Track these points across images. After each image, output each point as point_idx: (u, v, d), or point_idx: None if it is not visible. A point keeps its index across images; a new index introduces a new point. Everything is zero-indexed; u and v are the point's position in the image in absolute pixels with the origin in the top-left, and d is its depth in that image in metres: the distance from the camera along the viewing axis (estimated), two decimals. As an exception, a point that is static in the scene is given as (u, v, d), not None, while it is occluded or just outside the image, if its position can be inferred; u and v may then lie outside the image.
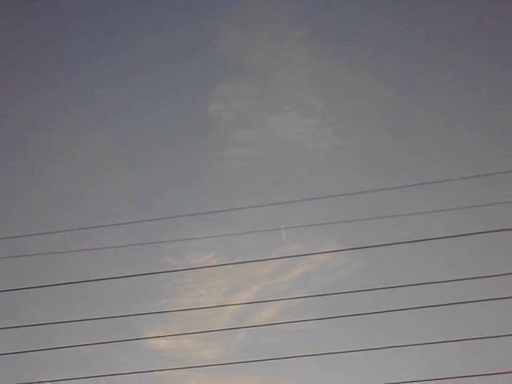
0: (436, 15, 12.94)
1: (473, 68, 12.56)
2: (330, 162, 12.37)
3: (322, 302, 9.77)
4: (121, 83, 13.35)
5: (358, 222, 10.38)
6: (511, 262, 9.54)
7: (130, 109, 13.28)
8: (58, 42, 13.52)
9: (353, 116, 12.80)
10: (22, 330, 9.90)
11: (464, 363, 9.54)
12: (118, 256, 10.67)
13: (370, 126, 12.63)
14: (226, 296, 11.14)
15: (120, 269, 10.36)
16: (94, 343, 9.75)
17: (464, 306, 9.27)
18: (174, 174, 12.64)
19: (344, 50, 13.01)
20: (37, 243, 10.27)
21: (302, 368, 9.72)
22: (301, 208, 10.41)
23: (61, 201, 12.44)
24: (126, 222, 10.27)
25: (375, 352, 9.39)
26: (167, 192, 12.43)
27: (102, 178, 12.51)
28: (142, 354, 10.59)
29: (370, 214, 10.38)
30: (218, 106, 12.97)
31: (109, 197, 12.39)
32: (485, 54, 12.54)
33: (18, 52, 13.37)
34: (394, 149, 12.37)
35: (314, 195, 10.45)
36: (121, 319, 9.84)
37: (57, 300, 10.72)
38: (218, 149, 12.62)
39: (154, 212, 11.17)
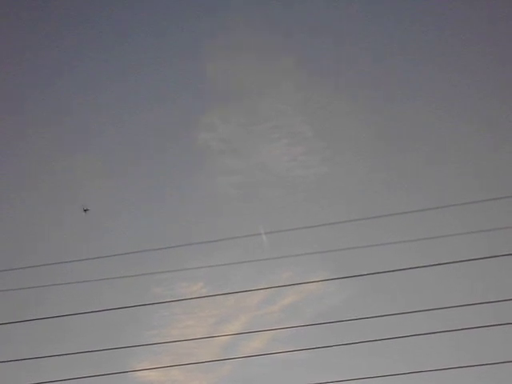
0: (426, 39, 13.05)
1: (468, 91, 12.63)
2: (319, 190, 12.43)
3: (311, 332, 9.74)
4: (111, 113, 13.43)
5: (347, 250, 10.38)
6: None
7: (118, 136, 13.37)
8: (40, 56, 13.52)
9: (341, 144, 12.87)
10: (12, 364, 9.84)
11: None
12: (106, 288, 10.66)
13: (359, 154, 12.70)
14: (214, 327, 11.14)
15: (108, 301, 10.34)
16: (83, 376, 9.68)
17: (457, 334, 9.25)
18: (161, 205, 12.68)
19: (332, 78, 13.11)
20: (24, 276, 10.26)
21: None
22: (289, 237, 10.42)
23: (48, 233, 12.45)
24: (113, 253, 10.27)
25: (367, 382, 9.34)
26: (155, 223, 12.47)
27: (90, 210, 12.50)
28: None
29: (360, 242, 10.40)
30: (207, 135, 13.06)
31: (96, 229, 12.41)
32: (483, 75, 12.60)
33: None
34: (383, 176, 12.42)
35: (303, 224, 10.46)
36: (109, 352, 9.78)
37: (44, 334, 10.69)
38: (206, 178, 12.68)
39: (142, 243, 11.17)
